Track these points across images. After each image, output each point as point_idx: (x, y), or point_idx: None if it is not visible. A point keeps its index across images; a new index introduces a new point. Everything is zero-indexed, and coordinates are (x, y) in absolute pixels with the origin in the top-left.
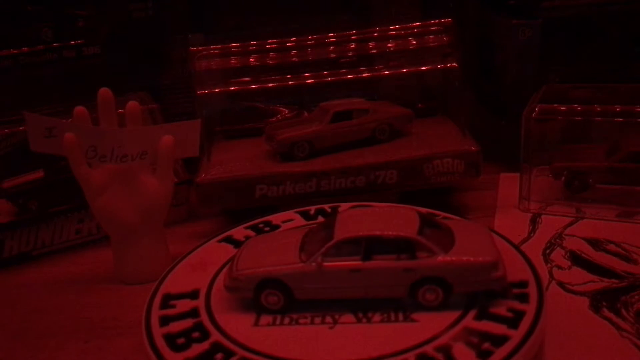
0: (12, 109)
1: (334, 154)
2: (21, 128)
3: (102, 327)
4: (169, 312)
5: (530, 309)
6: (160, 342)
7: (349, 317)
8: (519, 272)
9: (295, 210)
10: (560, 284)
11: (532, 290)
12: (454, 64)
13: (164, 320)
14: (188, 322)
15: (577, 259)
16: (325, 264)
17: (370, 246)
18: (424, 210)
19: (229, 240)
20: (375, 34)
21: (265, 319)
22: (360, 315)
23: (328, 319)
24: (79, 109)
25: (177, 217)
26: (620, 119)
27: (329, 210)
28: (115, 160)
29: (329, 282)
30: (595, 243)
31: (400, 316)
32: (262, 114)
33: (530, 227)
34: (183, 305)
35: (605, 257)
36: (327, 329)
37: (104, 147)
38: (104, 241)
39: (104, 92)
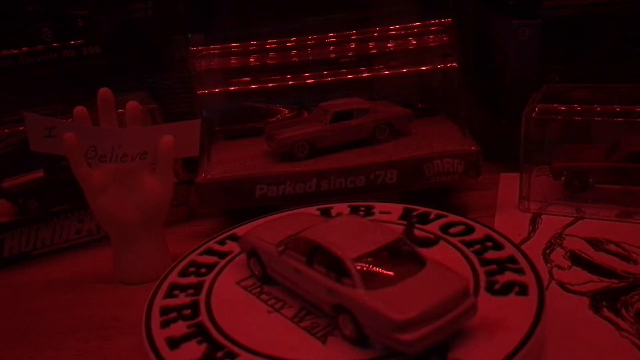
0: (12, 109)
1: (334, 154)
2: (21, 128)
3: (102, 327)
4: (219, 248)
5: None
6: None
7: (291, 311)
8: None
9: (404, 205)
10: (560, 284)
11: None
12: (454, 64)
13: (206, 252)
14: (212, 259)
15: (577, 259)
16: (284, 254)
17: (314, 253)
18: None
19: (325, 212)
20: (375, 34)
21: (249, 281)
22: (301, 314)
23: (278, 305)
24: (79, 109)
25: (177, 217)
26: (620, 119)
27: (433, 216)
28: (115, 160)
29: (282, 272)
30: (595, 243)
31: (322, 333)
32: (262, 114)
33: (530, 227)
34: (231, 247)
35: (605, 257)
36: (265, 312)
37: (104, 147)
38: (104, 241)
39: (104, 92)
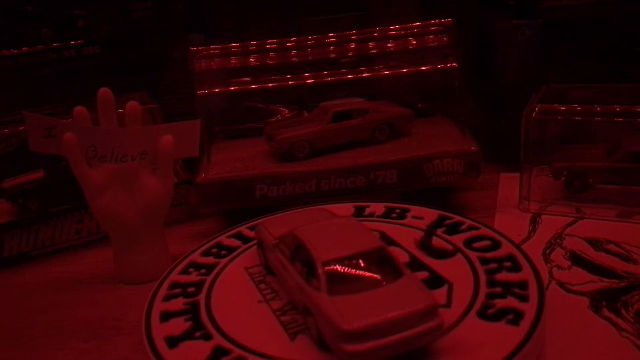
0: (12, 109)
1: (334, 154)
2: (21, 128)
3: (102, 327)
4: (247, 233)
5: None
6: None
7: (279, 304)
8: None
9: (439, 212)
10: (560, 284)
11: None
12: (454, 64)
13: (235, 235)
14: (236, 243)
15: (577, 259)
16: (277, 248)
17: (297, 250)
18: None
19: (359, 209)
20: (375, 34)
21: (256, 269)
22: (286, 308)
23: (270, 296)
24: (79, 109)
25: (177, 217)
26: (620, 119)
27: (465, 227)
28: (115, 160)
29: (275, 265)
30: (595, 243)
31: (296, 330)
32: (262, 114)
33: (530, 227)
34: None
35: (605, 257)
36: (256, 301)
37: (104, 147)
38: (104, 241)
39: (104, 92)
